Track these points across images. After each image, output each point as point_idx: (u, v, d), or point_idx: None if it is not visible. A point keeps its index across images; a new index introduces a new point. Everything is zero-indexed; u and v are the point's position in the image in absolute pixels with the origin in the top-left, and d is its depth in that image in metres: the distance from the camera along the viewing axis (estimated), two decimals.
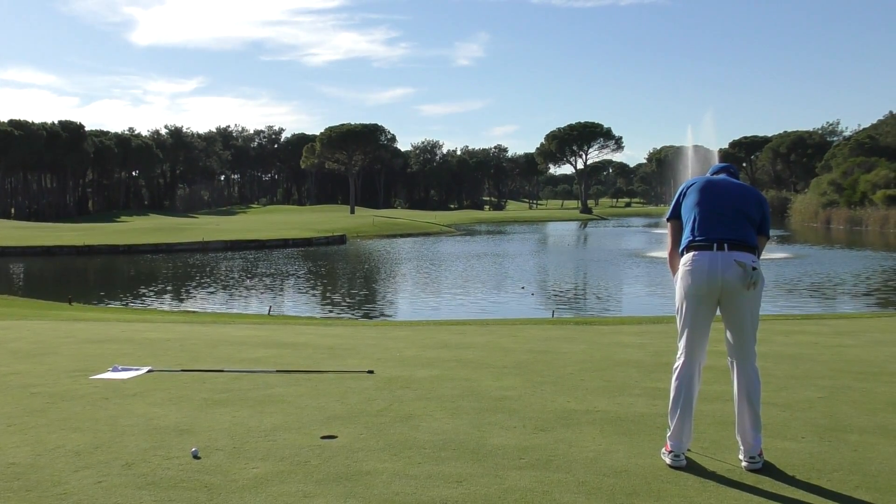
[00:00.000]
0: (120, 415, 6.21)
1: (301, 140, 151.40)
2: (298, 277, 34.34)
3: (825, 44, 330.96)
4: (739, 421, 4.80)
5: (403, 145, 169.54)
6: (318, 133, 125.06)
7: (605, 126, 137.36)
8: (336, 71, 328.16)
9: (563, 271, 35.58)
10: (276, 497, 4.36)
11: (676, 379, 4.86)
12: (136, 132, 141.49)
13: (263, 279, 33.39)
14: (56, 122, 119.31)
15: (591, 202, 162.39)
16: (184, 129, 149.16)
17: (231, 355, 8.94)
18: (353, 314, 22.19)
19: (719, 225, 4.74)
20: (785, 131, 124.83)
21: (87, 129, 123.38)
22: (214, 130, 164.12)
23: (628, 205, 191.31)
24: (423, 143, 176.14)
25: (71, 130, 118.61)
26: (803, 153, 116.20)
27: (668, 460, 4.80)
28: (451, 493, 4.36)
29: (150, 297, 27.67)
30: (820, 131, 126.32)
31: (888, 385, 6.91)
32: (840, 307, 21.65)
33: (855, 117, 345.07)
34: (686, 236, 4.83)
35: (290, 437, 5.53)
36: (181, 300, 26.66)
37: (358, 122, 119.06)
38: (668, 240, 5.06)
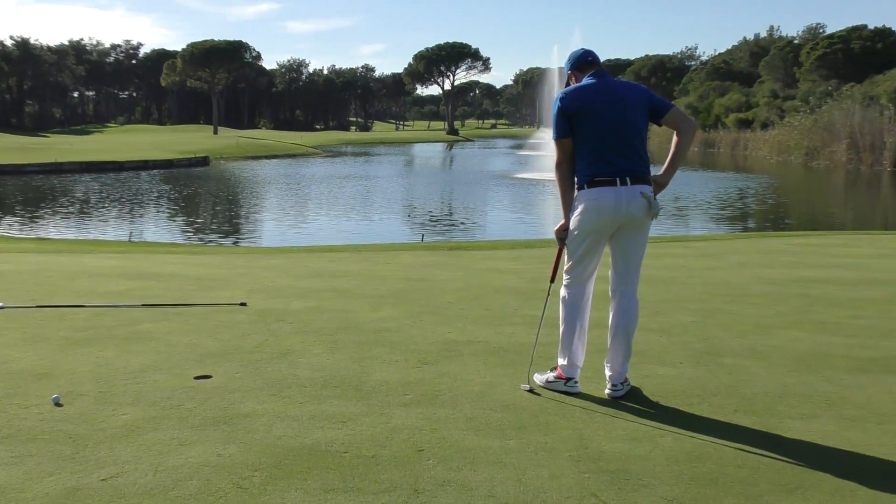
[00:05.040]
0: None
1: (161, 56, 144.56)
2: (160, 201, 33.09)
3: None
4: (612, 350, 4.83)
5: (269, 63, 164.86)
6: (179, 49, 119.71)
7: (473, 47, 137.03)
8: None
9: (431, 194, 35.55)
10: (149, 446, 4.09)
11: (569, 307, 4.81)
12: None
13: (122, 203, 32.02)
14: None
15: (457, 123, 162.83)
16: (31, 41, 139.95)
17: (91, 288, 8.43)
18: (219, 240, 21.54)
19: (620, 157, 4.61)
20: (647, 55, 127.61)
21: None
22: (66, 43, 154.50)
23: (494, 126, 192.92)
24: (288, 61, 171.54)
25: None
26: (663, 76, 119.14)
27: (563, 387, 4.80)
28: (337, 435, 4.20)
29: None
30: (679, 55, 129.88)
31: (753, 307, 7.13)
32: (701, 228, 22.45)
33: (711, 42, 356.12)
34: (585, 169, 4.67)
35: (161, 378, 5.23)
36: (33, 226, 25.25)
37: (222, 39, 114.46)
38: (559, 159, 4.77)
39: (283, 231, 23.34)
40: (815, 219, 25.29)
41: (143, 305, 7.43)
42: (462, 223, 24.97)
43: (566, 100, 4.72)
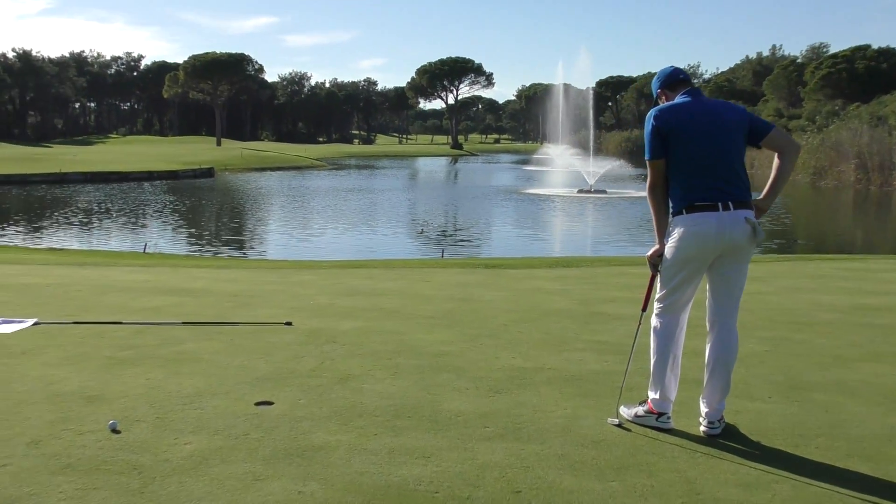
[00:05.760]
0: (12, 378, 5.44)
1: (162, 68, 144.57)
2: (168, 212, 32.82)
3: None
4: (710, 385, 4.49)
5: (270, 76, 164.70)
6: (179, 61, 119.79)
7: (476, 62, 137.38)
8: None
9: (440, 208, 35.33)
10: (221, 480, 3.79)
11: (662, 337, 4.50)
12: None
13: (130, 214, 31.74)
14: None
15: (461, 138, 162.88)
16: (33, 53, 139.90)
17: (125, 304, 8.13)
18: (232, 252, 21.26)
19: (720, 180, 4.30)
20: (649, 72, 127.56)
21: None
22: (67, 55, 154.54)
23: (497, 141, 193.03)
24: (290, 74, 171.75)
25: None
26: None
27: (654, 423, 4.50)
28: (423, 472, 3.90)
29: (10, 232, 25.78)
30: None
31: (823, 336, 6.81)
32: None
33: (714, 60, 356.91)
34: (683, 193, 4.36)
35: (219, 403, 4.93)
36: (42, 236, 24.95)
37: (224, 52, 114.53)
38: (653, 181, 4.50)
39: (294, 244, 23.08)
40: (839, 240, 25.03)
41: (183, 323, 7.14)
42: (478, 238, 24.71)
43: (661, 118, 4.43)
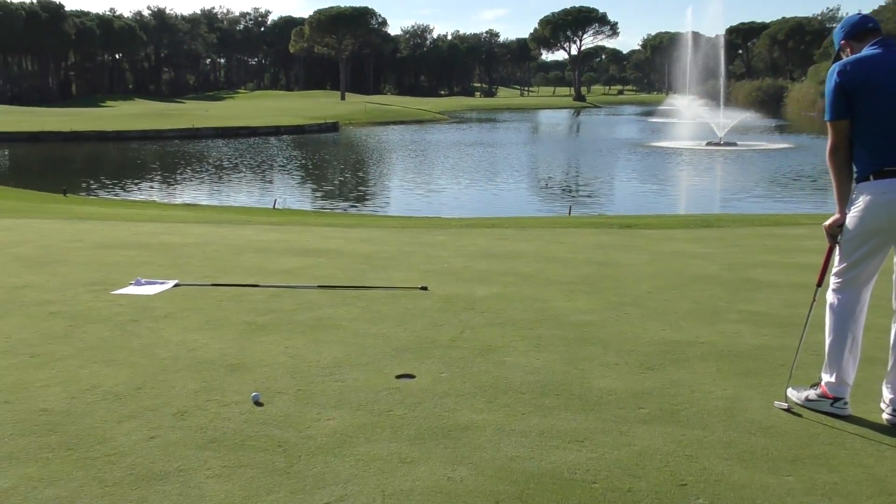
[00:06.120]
0: (155, 343, 5.46)
1: (288, 23, 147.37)
2: (294, 167, 33.37)
3: None
4: (895, 370, 4.08)
5: (392, 29, 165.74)
6: (306, 16, 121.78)
7: (601, 11, 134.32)
8: None
9: (563, 163, 34.74)
10: (367, 462, 3.64)
11: (840, 315, 4.09)
12: (117, 13, 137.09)
13: (260, 169, 32.41)
14: (34, 1, 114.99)
15: (583, 90, 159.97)
16: (167, 11, 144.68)
17: (261, 265, 8.14)
18: (359, 208, 21.40)
19: None
20: (783, 17, 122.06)
21: (66, 9, 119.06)
22: (199, 12, 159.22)
23: (621, 92, 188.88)
24: (413, 27, 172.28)
25: (51, 10, 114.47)
26: (801, 40, 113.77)
27: (829, 408, 4.11)
28: (577, 458, 3.66)
29: (146, 188, 26.74)
30: (819, 17, 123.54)
31: None
32: None
33: (856, 2, 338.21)
34: (870, 157, 3.92)
35: (360, 375, 4.79)
36: (180, 191, 25.77)
37: (347, 6, 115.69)
38: (834, 144, 4.04)
39: (418, 199, 23.11)
40: None
41: (318, 287, 7.07)
42: (603, 194, 24.17)
43: (846, 73, 3.96)
